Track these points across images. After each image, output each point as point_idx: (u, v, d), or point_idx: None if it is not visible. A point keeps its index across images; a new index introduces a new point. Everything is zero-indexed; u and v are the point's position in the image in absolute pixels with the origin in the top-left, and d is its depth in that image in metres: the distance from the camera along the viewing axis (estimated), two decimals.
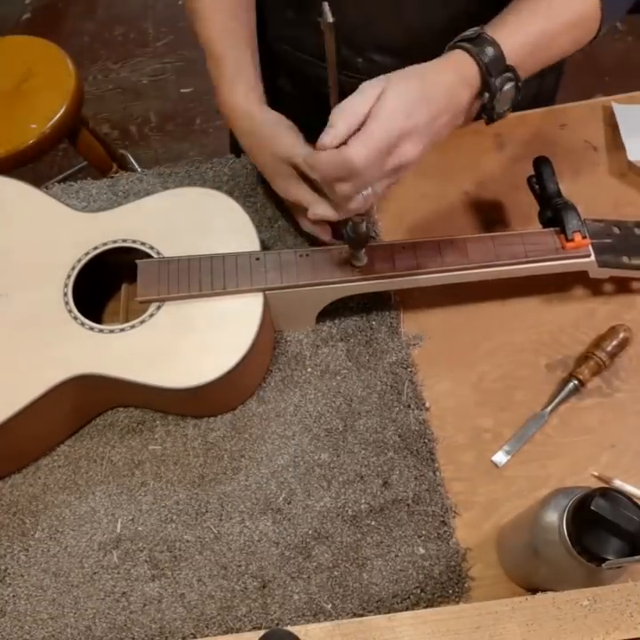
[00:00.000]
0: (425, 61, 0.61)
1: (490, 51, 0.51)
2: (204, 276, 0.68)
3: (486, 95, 0.52)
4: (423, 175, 0.85)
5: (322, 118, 0.59)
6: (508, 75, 0.52)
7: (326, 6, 0.48)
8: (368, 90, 0.51)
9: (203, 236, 0.72)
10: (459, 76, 0.52)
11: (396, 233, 0.81)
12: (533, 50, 0.55)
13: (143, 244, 0.71)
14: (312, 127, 0.76)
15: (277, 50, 0.85)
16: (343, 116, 0.50)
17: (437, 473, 0.68)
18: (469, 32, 0.53)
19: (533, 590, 0.54)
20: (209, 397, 0.68)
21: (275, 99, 0.88)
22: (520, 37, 0.55)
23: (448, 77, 0.52)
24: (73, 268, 0.70)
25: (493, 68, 0.52)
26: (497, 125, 0.87)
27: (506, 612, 0.50)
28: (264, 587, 0.64)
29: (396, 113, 0.49)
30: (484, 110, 0.53)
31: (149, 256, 0.71)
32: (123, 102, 2.23)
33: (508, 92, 0.52)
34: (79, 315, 0.67)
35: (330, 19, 0.50)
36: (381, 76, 0.52)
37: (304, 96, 0.85)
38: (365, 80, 0.56)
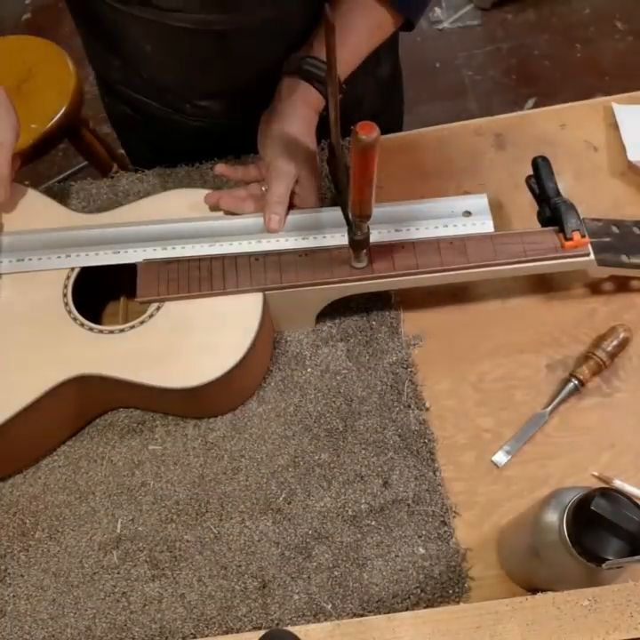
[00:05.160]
0: (245, 99, 0.76)
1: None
2: (203, 276, 0.68)
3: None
4: (423, 175, 0.85)
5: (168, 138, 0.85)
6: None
7: (328, 7, 0.48)
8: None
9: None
10: (306, 104, 0.69)
11: None
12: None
13: None
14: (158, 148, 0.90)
15: (112, 87, 0.88)
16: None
17: (437, 473, 0.68)
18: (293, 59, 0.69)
19: (533, 590, 0.54)
20: (209, 398, 0.68)
21: (118, 120, 0.95)
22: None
23: (302, 112, 0.70)
24: (72, 269, 0.70)
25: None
26: (497, 125, 0.88)
27: (506, 611, 0.50)
28: (264, 587, 0.64)
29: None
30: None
31: None
32: None
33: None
34: (79, 315, 0.67)
35: (332, 19, 0.50)
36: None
37: (146, 120, 0.89)
38: (193, 120, 0.82)
